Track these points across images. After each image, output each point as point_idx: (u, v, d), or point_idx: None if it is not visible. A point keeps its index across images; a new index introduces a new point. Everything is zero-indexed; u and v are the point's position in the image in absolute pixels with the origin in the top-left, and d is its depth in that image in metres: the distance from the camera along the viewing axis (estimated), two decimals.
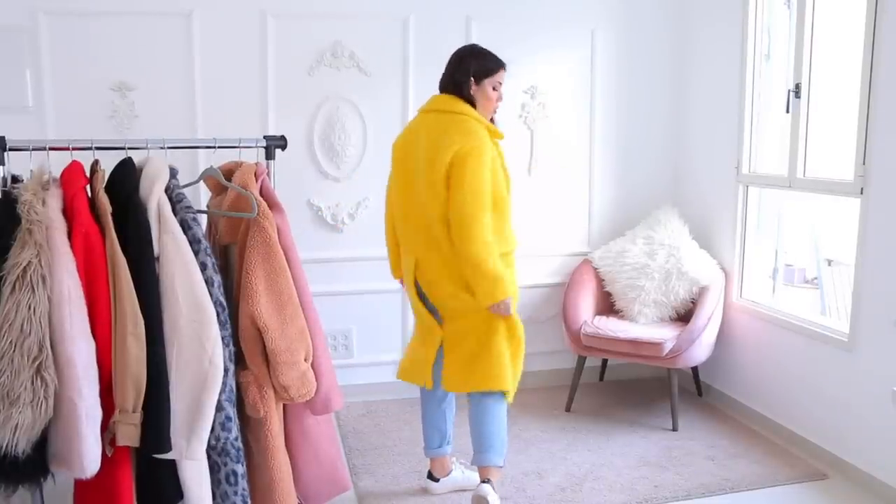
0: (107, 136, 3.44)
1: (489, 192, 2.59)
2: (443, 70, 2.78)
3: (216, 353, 2.15)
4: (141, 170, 2.27)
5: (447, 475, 3.03)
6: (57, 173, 2.22)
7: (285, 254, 2.33)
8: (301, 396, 2.34)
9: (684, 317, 3.88)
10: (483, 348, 2.74)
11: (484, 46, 2.81)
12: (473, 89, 2.71)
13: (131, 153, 2.33)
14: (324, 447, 2.51)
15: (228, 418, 2.23)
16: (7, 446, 1.93)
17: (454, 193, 2.55)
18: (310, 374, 2.34)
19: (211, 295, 2.18)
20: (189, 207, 2.28)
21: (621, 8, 4.17)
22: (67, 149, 2.30)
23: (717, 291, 3.82)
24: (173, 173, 2.35)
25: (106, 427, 2.07)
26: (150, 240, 2.16)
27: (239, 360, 2.31)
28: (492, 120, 2.80)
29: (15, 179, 2.27)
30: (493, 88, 2.73)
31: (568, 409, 3.90)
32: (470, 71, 2.70)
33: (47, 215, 2.08)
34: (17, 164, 2.29)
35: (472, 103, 2.71)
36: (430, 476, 3.04)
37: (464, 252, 2.57)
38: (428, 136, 2.67)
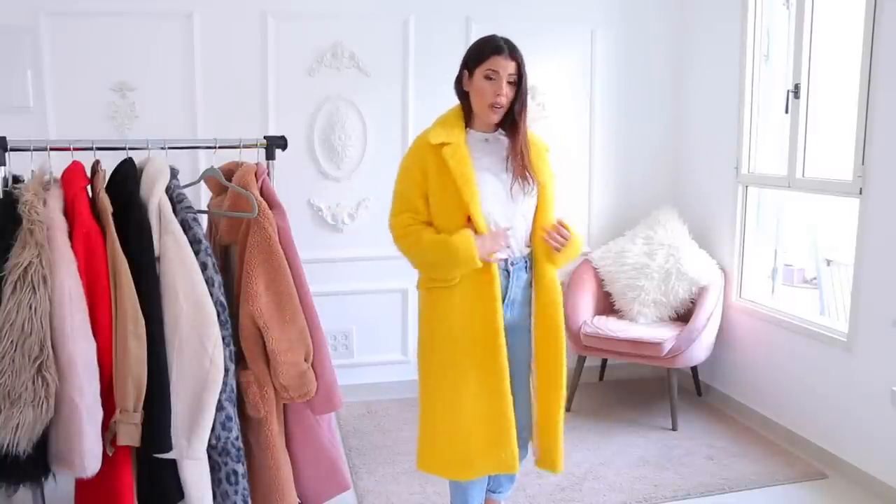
0: (107, 137, 3.45)
1: (403, 196, 2.34)
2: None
3: (217, 353, 2.16)
4: (142, 170, 2.28)
5: None
6: (58, 173, 2.23)
7: (285, 253, 2.34)
8: (301, 396, 2.34)
9: (684, 317, 3.88)
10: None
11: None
12: (467, 83, 2.30)
13: (132, 153, 2.34)
14: (324, 447, 2.51)
15: (229, 418, 2.24)
16: (8, 446, 1.93)
17: None
18: (310, 374, 2.34)
19: (211, 295, 2.19)
20: (189, 207, 2.29)
21: (621, 8, 4.17)
22: (68, 149, 2.31)
23: (717, 291, 3.82)
24: (174, 173, 2.35)
25: (107, 426, 2.07)
26: (151, 240, 2.17)
27: (239, 359, 2.32)
28: (507, 124, 2.34)
29: (16, 180, 2.28)
30: (487, 77, 2.24)
31: (568, 409, 3.89)
32: (463, 64, 2.32)
33: (48, 215, 2.08)
34: (18, 164, 2.30)
35: (469, 105, 2.32)
36: None
37: None
38: None
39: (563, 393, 2.43)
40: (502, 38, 2.29)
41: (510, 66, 2.25)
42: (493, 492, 2.68)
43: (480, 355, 2.28)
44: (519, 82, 2.29)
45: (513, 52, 2.27)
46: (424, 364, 2.39)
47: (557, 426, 2.42)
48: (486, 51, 2.26)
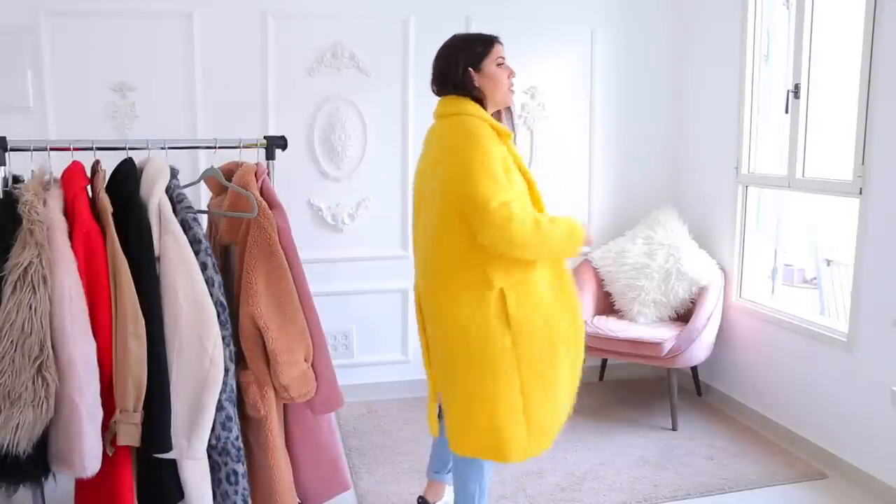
0: (107, 137, 3.45)
1: (500, 178, 2.22)
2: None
3: (217, 353, 2.16)
4: (141, 170, 2.28)
5: (439, 501, 2.86)
6: (58, 173, 2.23)
7: (285, 253, 2.34)
8: (301, 396, 2.34)
9: (684, 317, 3.88)
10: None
11: (464, 32, 2.51)
12: (477, 80, 2.37)
13: (132, 153, 2.34)
14: (324, 447, 2.51)
15: (229, 418, 2.24)
16: (8, 446, 1.93)
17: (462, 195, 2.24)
18: (310, 374, 2.35)
19: (211, 295, 2.19)
20: (189, 207, 2.29)
21: (621, 8, 4.17)
22: (68, 149, 2.31)
23: (717, 291, 3.82)
24: (174, 173, 2.35)
25: (107, 427, 2.07)
26: (151, 240, 2.17)
27: (239, 359, 2.32)
28: (506, 112, 2.49)
29: (16, 180, 2.27)
30: (498, 65, 2.39)
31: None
32: (465, 64, 2.38)
33: (48, 215, 2.08)
34: (18, 164, 2.30)
35: (482, 98, 2.38)
36: (423, 499, 2.84)
37: (499, 247, 2.21)
38: (436, 146, 2.43)
39: None
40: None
41: (504, 51, 2.44)
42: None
43: (574, 334, 2.41)
44: None
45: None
46: (510, 359, 2.27)
47: None
48: (486, 43, 2.41)
